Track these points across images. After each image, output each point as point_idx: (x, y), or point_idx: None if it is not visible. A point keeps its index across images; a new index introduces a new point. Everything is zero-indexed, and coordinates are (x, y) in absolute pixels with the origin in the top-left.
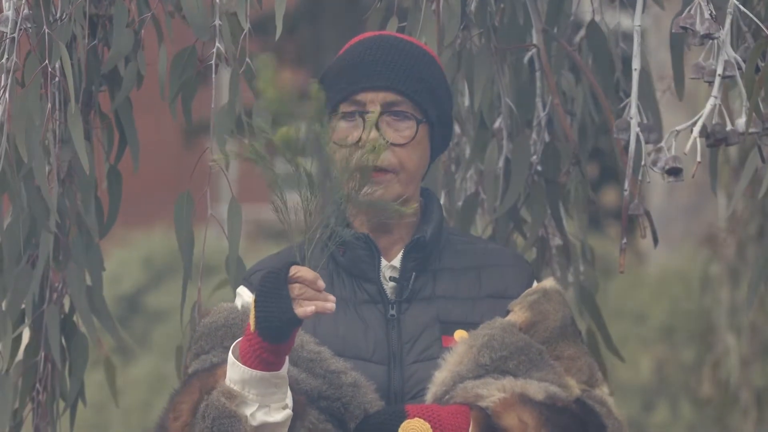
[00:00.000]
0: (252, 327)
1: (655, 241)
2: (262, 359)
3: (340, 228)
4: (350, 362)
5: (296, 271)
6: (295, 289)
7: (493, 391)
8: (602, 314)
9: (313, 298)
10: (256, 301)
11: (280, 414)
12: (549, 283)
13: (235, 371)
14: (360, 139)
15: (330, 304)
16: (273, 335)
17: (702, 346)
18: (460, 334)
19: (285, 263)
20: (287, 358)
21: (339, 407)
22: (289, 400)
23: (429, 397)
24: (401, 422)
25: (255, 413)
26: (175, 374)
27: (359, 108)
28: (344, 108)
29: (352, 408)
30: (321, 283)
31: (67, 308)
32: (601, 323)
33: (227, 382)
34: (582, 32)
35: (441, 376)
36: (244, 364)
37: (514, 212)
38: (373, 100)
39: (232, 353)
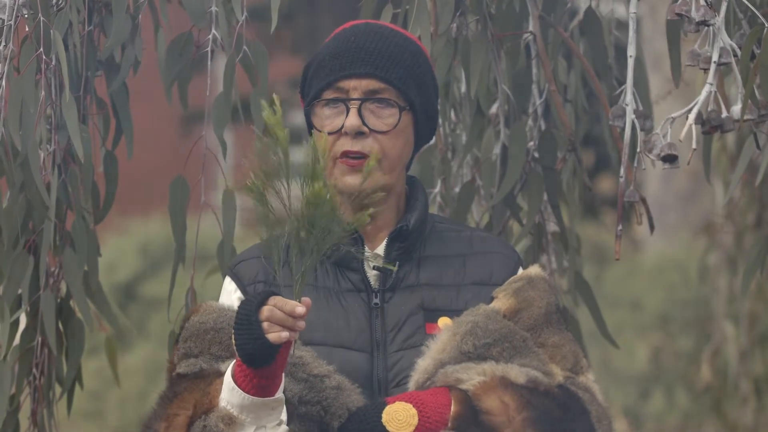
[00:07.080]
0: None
1: (652, 227)
2: (254, 385)
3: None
4: (333, 350)
5: (273, 300)
6: (264, 312)
7: (473, 375)
8: (597, 301)
9: (281, 321)
10: (234, 330)
11: (276, 431)
12: (534, 270)
13: (234, 396)
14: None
15: (300, 322)
16: (254, 361)
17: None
18: (444, 322)
19: (262, 293)
20: (283, 378)
21: (319, 411)
22: (283, 416)
23: (411, 384)
24: (382, 411)
25: None
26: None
27: (342, 95)
28: (327, 95)
29: (333, 409)
30: (299, 310)
31: (63, 293)
32: (596, 310)
33: (225, 404)
34: (577, 19)
35: (424, 364)
36: (241, 389)
37: (510, 199)
38: (356, 87)
39: (230, 376)
